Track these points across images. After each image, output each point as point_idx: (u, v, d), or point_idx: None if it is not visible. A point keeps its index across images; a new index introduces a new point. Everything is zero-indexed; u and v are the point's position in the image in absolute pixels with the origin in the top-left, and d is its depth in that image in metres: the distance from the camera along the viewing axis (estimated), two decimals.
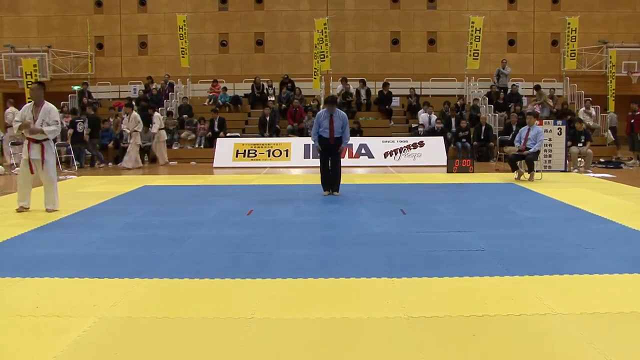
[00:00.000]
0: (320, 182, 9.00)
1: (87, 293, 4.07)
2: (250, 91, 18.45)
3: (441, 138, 15.00)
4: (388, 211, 7.30)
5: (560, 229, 6.16)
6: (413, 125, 16.51)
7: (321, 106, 16.00)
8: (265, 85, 18.44)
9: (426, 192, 9.29)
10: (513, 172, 11.04)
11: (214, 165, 14.40)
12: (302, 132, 15.84)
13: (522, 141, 10.84)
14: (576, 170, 12.83)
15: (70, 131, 14.56)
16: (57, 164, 13.51)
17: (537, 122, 12.07)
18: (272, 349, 3.15)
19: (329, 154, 8.77)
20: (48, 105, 7.43)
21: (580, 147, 13.21)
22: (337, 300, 3.90)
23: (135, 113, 14.43)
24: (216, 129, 16.12)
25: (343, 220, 6.76)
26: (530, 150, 10.66)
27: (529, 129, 10.88)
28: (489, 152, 15.39)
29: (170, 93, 18.29)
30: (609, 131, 16.39)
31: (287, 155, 14.62)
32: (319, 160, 9.03)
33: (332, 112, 8.66)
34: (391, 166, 14.08)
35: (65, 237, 5.92)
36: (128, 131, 14.35)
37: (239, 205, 7.86)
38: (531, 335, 3.28)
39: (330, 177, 8.86)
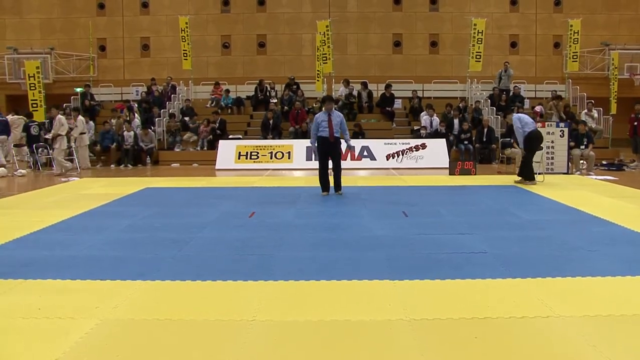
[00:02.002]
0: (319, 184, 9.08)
1: (89, 295, 4.07)
2: (252, 93, 18.48)
3: (443, 140, 14.99)
4: (390, 213, 7.29)
5: (562, 231, 6.15)
6: (415, 128, 16.50)
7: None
8: (268, 88, 18.46)
9: (428, 194, 9.29)
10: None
11: (216, 167, 14.42)
12: (304, 135, 15.85)
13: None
14: (578, 172, 12.81)
15: (24, 134, 13.93)
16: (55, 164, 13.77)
17: (539, 124, 12.05)
18: (273, 351, 3.15)
19: (328, 155, 8.88)
20: None
21: (582, 149, 13.20)
22: (339, 303, 3.90)
23: (60, 116, 13.22)
24: (218, 132, 16.16)
25: (345, 223, 6.75)
26: (514, 150, 10.28)
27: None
28: (491, 154, 15.40)
29: (172, 95, 18.33)
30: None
31: (289, 158, 14.63)
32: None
33: (330, 112, 8.83)
34: (393, 168, 14.07)
35: (67, 239, 5.92)
36: (49, 136, 13.29)
37: (241, 208, 7.86)
38: (533, 338, 3.28)
39: (332, 177, 8.92)
